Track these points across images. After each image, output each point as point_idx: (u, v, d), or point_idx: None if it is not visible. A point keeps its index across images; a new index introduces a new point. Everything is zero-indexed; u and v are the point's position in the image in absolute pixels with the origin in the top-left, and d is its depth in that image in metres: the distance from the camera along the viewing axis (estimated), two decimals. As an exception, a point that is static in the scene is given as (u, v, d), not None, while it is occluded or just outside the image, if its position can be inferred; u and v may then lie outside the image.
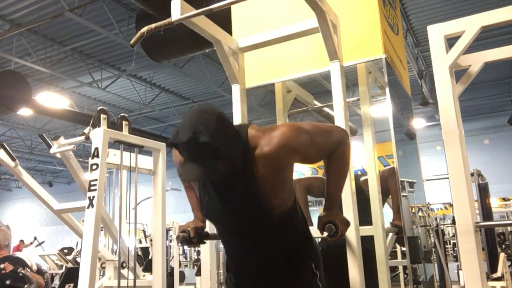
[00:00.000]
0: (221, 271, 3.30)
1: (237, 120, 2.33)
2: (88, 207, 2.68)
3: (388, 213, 2.94)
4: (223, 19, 2.66)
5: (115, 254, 3.57)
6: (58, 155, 3.28)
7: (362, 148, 2.98)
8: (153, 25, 1.90)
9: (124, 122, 3.18)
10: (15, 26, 7.45)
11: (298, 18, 2.17)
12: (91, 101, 11.16)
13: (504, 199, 10.70)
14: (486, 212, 5.10)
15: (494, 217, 6.95)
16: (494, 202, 9.84)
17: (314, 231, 1.71)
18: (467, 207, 1.73)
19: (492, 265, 4.47)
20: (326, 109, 3.81)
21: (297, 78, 2.91)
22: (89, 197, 2.69)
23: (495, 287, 3.32)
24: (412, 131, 4.06)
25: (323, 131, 1.58)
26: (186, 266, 12.42)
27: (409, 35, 8.16)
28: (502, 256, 3.82)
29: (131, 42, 1.94)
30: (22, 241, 12.72)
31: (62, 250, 8.34)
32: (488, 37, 7.91)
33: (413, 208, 4.78)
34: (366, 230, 2.51)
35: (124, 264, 3.19)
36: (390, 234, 2.89)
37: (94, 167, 2.73)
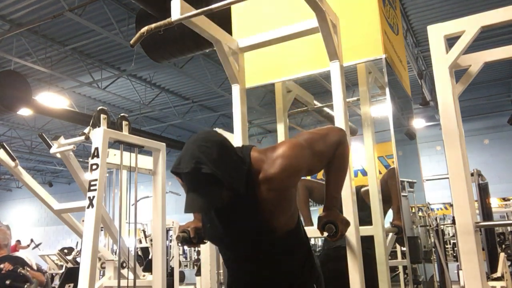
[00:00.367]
0: (221, 271, 3.30)
1: (237, 121, 2.33)
2: (88, 207, 2.67)
3: (388, 213, 2.94)
4: (223, 19, 2.66)
5: (115, 254, 3.57)
6: (58, 155, 3.28)
7: (362, 148, 2.98)
8: (153, 25, 1.90)
9: (124, 122, 3.17)
10: (15, 26, 7.45)
11: (298, 18, 2.17)
12: (91, 101, 11.16)
13: (504, 199, 10.69)
14: (486, 212, 5.09)
15: (494, 217, 6.94)
16: (494, 202, 9.84)
17: (314, 231, 1.71)
18: (467, 207, 1.73)
19: (492, 265, 4.47)
20: (326, 109, 3.81)
21: (297, 78, 2.91)
22: (89, 197, 2.69)
23: (495, 287, 3.32)
24: (412, 131, 4.06)
25: (321, 137, 1.57)
26: (186, 266, 12.41)
27: (409, 35, 8.16)
28: (502, 256, 3.82)
29: (131, 42, 1.94)
30: (18, 241, 12.71)
31: (62, 250, 8.34)
32: (488, 37, 7.91)
33: (413, 208, 4.77)
34: (366, 230, 2.51)
35: (124, 264, 3.19)
36: (390, 234, 2.89)
37: (94, 167, 2.73)
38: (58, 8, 6.74)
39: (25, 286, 3.59)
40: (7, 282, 3.55)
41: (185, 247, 10.95)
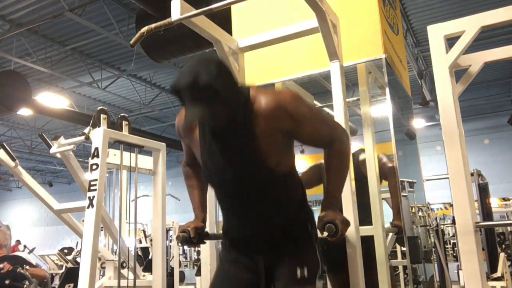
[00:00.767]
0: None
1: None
2: (88, 207, 2.68)
3: (388, 213, 2.93)
4: (223, 19, 2.66)
5: (115, 254, 3.57)
6: (58, 155, 3.28)
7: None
8: (153, 25, 1.91)
9: (124, 122, 3.18)
10: (15, 26, 7.45)
11: (298, 18, 2.17)
12: (91, 101, 11.16)
13: (504, 199, 10.70)
14: (486, 212, 5.10)
15: (494, 217, 6.95)
16: (494, 202, 9.84)
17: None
18: (467, 207, 1.73)
19: (492, 265, 4.47)
20: (326, 109, 3.81)
21: (297, 78, 2.91)
22: (89, 197, 2.69)
23: (495, 287, 3.32)
24: (412, 131, 4.06)
25: (325, 119, 1.61)
26: (186, 266, 12.41)
27: (409, 35, 8.16)
28: (502, 256, 3.82)
29: (131, 42, 1.95)
30: (18, 241, 12.72)
31: (62, 250, 8.35)
32: (488, 37, 7.91)
33: (413, 208, 4.77)
34: (366, 230, 2.51)
35: (124, 264, 3.19)
36: (390, 234, 2.89)
37: (94, 167, 2.73)
38: (58, 8, 6.74)
39: (25, 285, 3.60)
40: (7, 282, 3.56)
41: (185, 247, 10.95)
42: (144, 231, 9.30)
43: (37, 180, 3.68)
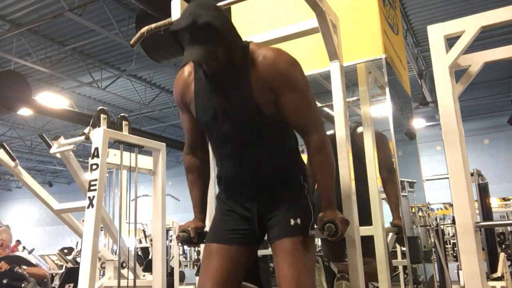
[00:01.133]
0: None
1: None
2: (88, 207, 2.68)
3: (388, 213, 2.93)
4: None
5: (115, 254, 3.57)
6: (58, 155, 3.28)
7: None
8: (153, 25, 1.91)
9: (124, 122, 3.18)
10: (15, 26, 7.45)
11: (298, 18, 2.17)
12: (91, 101, 11.17)
13: (504, 199, 10.70)
14: (486, 212, 5.10)
15: (494, 217, 6.95)
16: (494, 202, 9.84)
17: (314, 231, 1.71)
18: (467, 207, 1.73)
19: (492, 265, 4.47)
20: (326, 109, 3.81)
21: (297, 78, 2.90)
22: (89, 197, 2.69)
23: (495, 287, 3.32)
24: (412, 131, 4.06)
25: (311, 101, 1.59)
26: (186, 266, 12.41)
27: (409, 35, 8.17)
28: (502, 256, 3.82)
29: (131, 42, 1.95)
30: (18, 241, 12.71)
31: (62, 250, 8.35)
32: (488, 37, 7.91)
33: (413, 208, 4.78)
34: (366, 230, 2.51)
35: (124, 264, 3.19)
36: (390, 234, 2.89)
37: (94, 167, 2.73)
38: (58, 8, 6.74)
39: (23, 285, 3.60)
40: (4, 281, 3.56)
41: (185, 247, 10.95)
42: (144, 231, 9.30)
43: (37, 180, 3.68)
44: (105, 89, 10.19)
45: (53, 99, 9.35)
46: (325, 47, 2.02)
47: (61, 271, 7.57)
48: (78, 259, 7.52)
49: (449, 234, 10.09)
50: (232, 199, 1.68)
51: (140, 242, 8.62)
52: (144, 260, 7.50)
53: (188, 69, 1.70)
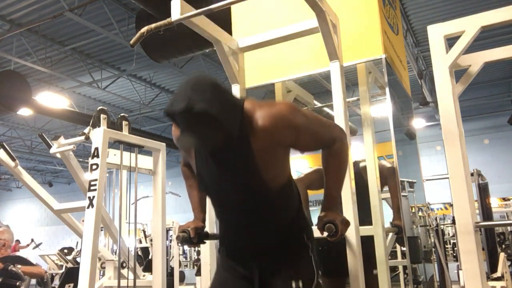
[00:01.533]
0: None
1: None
2: (88, 207, 2.68)
3: (388, 213, 2.93)
4: (223, 19, 2.66)
5: (115, 254, 3.57)
6: (58, 155, 3.28)
7: (362, 148, 2.98)
8: (153, 25, 1.91)
9: (124, 122, 3.18)
10: (15, 26, 7.45)
11: (298, 18, 2.17)
12: (91, 101, 11.16)
13: (504, 199, 10.70)
14: (486, 212, 5.10)
15: (494, 217, 6.95)
16: (494, 202, 9.84)
17: (314, 231, 1.71)
18: (467, 207, 1.73)
19: (492, 265, 4.47)
20: (326, 109, 3.81)
21: (297, 78, 2.91)
22: (89, 197, 2.69)
23: (495, 287, 3.32)
24: (412, 131, 4.06)
25: (322, 122, 1.58)
26: (186, 266, 12.41)
27: (409, 35, 8.16)
28: (502, 256, 3.82)
29: (131, 42, 1.95)
30: (18, 241, 12.70)
31: (62, 250, 8.35)
32: (488, 37, 7.91)
33: (413, 208, 4.77)
34: (366, 230, 2.51)
35: (124, 264, 3.19)
36: (390, 234, 2.89)
37: (94, 167, 2.73)
38: (58, 8, 6.74)
39: (17, 283, 3.61)
40: None
41: (185, 247, 10.95)
42: (144, 231, 9.30)
43: (37, 180, 3.68)
44: (105, 89, 10.19)
45: (53, 99, 9.34)
46: (325, 47, 2.02)
47: (61, 271, 7.56)
48: (78, 259, 7.52)
49: (449, 234, 10.08)
50: (234, 258, 1.66)
51: (140, 242, 8.61)
52: (144, 260, 7.50)
53: None
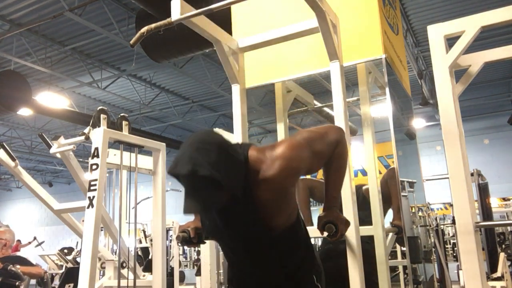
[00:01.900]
0: (221, 271, 3.30)
1: (237, 120, 2.33)
2: (88, 207, 2.68)
3: (388, 213, 2.94)
4: (223, 19, 2.66)
5: (115, 254, 3.57)
6: (58, 155, 3.28)
7: (362, 148, 2.98)
8: (153, 25, 1.91)
9: (124, 122, 3.18)
10: (15, 26, 7.45)
11: (298, 18, 2.17)
12: (91, 101, 11.16)
13: (504, 199, 10.70)
14: (486, 212, 5.10)
15: (494, 217, 6.95)
16: (494, 202, 9.84)
17: (314, 231, 1.71)
18: (467, 207, 1.74)
19: (492, 265, 4.47)
20: (326, 109, 3.81)
21: (297, 78, 2.91)
22: (89, 197, 2.69)
23: (495, 287, 3.32)
24: (412, 131, 4.06)
25: (320, 136, 1.56)
26: (186, 266, 12.42)
27: (409, 35, 8.16)
28: (502, 256, 3.82)
29: (131, 42, 1.95)
30: (19, 241, 12.70)
31: (62, 250, 8.34)
32: (488, 37, 7.91)
33: (413, 208, 4.77)
34: (366, 230, 2.51)
35: (124, 264, 3.19)
36: (390, 234, 2.89)
37: (94, 167, 2.73)
38: (58, 8, 6.73)
39: (17, 283, 3.61)
40: None
41: (185, 247, 10.95)
42: (144, 231, 9.29)
43: (37, 180, 3.67)
44: (105, 89, 10.19)
45: (53, 99, 9.34)
46: (325, 47, 2.02)
47: (61, 271, 7.56)
48: (78, 259, 7.52)
49: (449, 234, 10.08)
50: None
51: (140, 242, 8.61)
52: (144, 260, 7.49)
53: None
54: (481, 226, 1.83)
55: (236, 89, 2.34)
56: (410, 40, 8.29)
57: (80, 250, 3.47)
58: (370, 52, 2.58)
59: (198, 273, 7.78)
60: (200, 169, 1.29)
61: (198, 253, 11.20)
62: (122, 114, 3.26)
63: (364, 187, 2.94)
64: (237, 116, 2.32)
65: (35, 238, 10.91)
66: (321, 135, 1.57)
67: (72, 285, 4.34)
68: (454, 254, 9.45)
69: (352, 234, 1.85)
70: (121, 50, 8.62)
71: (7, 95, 7.08)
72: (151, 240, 7.21)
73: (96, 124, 2.96)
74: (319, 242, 3.70)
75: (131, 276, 3.05)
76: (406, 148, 3.70)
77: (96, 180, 2.70)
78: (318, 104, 3.76)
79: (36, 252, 9.61)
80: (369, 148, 2.88)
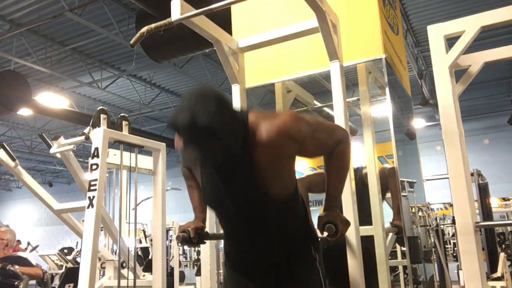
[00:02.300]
0: (221, 271, 3.30)
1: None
2: (88, 207, 2.68)
3: (388, 213, 2.93)
4: (223, 19, 2.66)
5: (115, 254, 3.57)
6: (58, 155, 3.28)
7: (362, 148, 2.98)
8: (153, 25, 1.91)
9: (124, 122, 3.18)
10: (15, 26, 7.45)
11: (298, 18, 2.17)
12: (91, 101, 11.16)
13: (504, 199, 10.70)
14: (486, 212, 5.10)
15: (494, 217, 6.95)
16: (494, 202, 9.84)
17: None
18: (467, 207, 1.74)
19: (492, 265, 4.47)
20: (326, 109, 3.81)
21: (297, 78, 2.91)
22: (89, 197, 2.69)
23: (495, 287, 3.32)
24: (412, 131, 4.06)
25: (326, 128, 1.59)
26: (186, 266, 12.41)
27: (409, 35, 8.17)
28: (502, 256, 3.82)
29: (131, 42, 1.95)
30: (19, 241, 12.70)
31: (62, 250, 8.34)
32: (488, 37, 7.91)
33: (413, 208, 4.77)
34: (366, 230, 2.51)
35: (124, 264, 3.19)
36: (390, 234, 2.89)
37: (94, 167, 2.73)
38: (58, 8, 6.74)
39: (16, 282, 3.62)
40: None
41: (185, 247, 10.95)
42: (144, 231, 9.30)
43: (37, 180, 3.68)
44: (105, 89, 10.19)
45: (53, 99, 9.34)
46: (325, 47, 2.02)
47: (61, 271, 7.56)
48: (78, 259, 7.52)
49: (449, 234, 10.08)
50: (240, 272, 1.65)
51: (140, 242, 8.61)
52: (144, 260, 7.50)
53: None
54: (481, 226, 1.83)
55: (236, 89, 2.34)
56: (410, 40, 8.29)
57: (80, 250, 3.47)
58: (370, 52, 2.58)
59: (198, 273, 7.79)
60: (199, 119, 1.29)
61: (198, 253, 11.20)
62: (122, 114, 3.26)
63: (364, 171, 2.92)
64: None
65: (29, 244, 10.88)
66: (328, 127, 1.61)
67: (72, 285, 4.34)
68: (454, 254, 9.45)
69: (352, 234, 1.85)
70: (121, 50, 8.62)
71: (7, 95, 7.08)
72: (151, 240, 7.20)
73: (96, 124, 2.96)
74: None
75: (131, 276, 3.06)
76: (406, 148, 3.70)
77: (96, 180, 2.70)
78: (318, 104, 3.75)
79: (36, 252, 9.61)
80: (369, 148, 2.88)
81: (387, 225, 2.83)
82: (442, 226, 7.79)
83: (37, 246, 9.63)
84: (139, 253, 8.10)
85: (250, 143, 1.43)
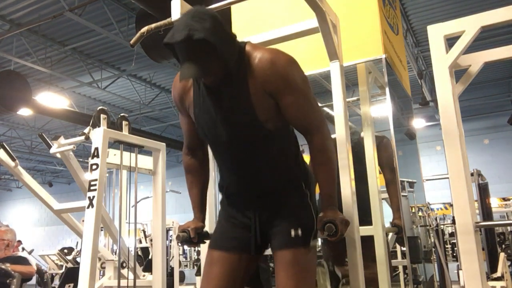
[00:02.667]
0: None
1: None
2: (88, 207, 2.68)
3: (388, 213, 2.93)
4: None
5: (115, 254, 3.57)
6: (58, 155, 3.28)
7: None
8: (153, 25, 1.91)
9: (124, 122, 3.18)
10: (15, 26, 7.45)
11: (298, 18, 2.17)
12: (91, 101, 11.17)
13: (504, 199, 10.70)
14: (486, 212, 5.10)
15: (494, 217, 6.95)
16: (494, 202, 9.84)
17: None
18: (467, 207, 1.73)
19: (492, 265, 4.47)
20: (326, 109, 3.81)
21: (297, 78, 2.90)
22: (89, 197, 2.69)
23: (495, 287, 3.32)
24: (412, 131, 4.06)
25: (312, 100, 1.57)
26: (186, 266, 12.42)
27: (409, 35, 8.17)
28: (502, 256, 3.82)
29: (131, 42, 1.95)
30: (19, 241, 12.70)
31: (62, 250, 8.35)
32: (488, 37, 7.91)
33: (413, 208, 4.78)
34: (366, 230, 2.51)
35: (124, 264, 3.19)
36: (390, 234, 2.89)
37: (94, 167, 2.74)
38: (58, 8, 6.74)
39: (8, 280, 3.62)
40: None
41: (185, 247, 10.96)
42: (144, 231, 9.30)
43: (37, 180, 3.68)
44: (105, 89, 10.19)
45: (53, 99, 9.35)
46: (325, 47, 2.02)
47: (61, 271, 7.57)
48: (78, 259, 7.52)
49: (449, 234, 10.09)
50: (233, 206, 1.67)
51: (140, 242, 8.62)
52: (144, 260, 7.50)
53: None
54: (481, 226, 1.83)
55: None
56: (410, 40, 8.29)
57: (80, 250, 3.47)
58: (370, 52, 2.58)
59: (198, 273, 7.79)
60: (196, 33, 1.34)
61: (198, 253, 11.21)
62: (122, 114, 3.26)
63: (362, 133, 2.87)
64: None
65: (23, 249, 10.85)
66: (315, 103, 1.60)
67: (72, 285, 4.34)
68: (454, 254, 9.45)
69: (352, 234, 1.85)
70: (121, 50, 8.63)
71: (7, 95, 7.08)
72: (151, 240, 7.21)
73: (96, 124, 2.96)
74: (319, 242, 3.70)
75: (131, 276, 3.06)
76: (406, 148, 3.70)
77: (96, 180, 2.70)
78: (318, 104, 3.75)
79: (36, 252, 9.61)
80: (369, 148, 2.88)
81: (387, 225, 2.82)
82: (442, 226, 7.80)
83: (32, 251, 9.62)
84: (139, 253, 8.11)
85: (244, 67, 1.47)
